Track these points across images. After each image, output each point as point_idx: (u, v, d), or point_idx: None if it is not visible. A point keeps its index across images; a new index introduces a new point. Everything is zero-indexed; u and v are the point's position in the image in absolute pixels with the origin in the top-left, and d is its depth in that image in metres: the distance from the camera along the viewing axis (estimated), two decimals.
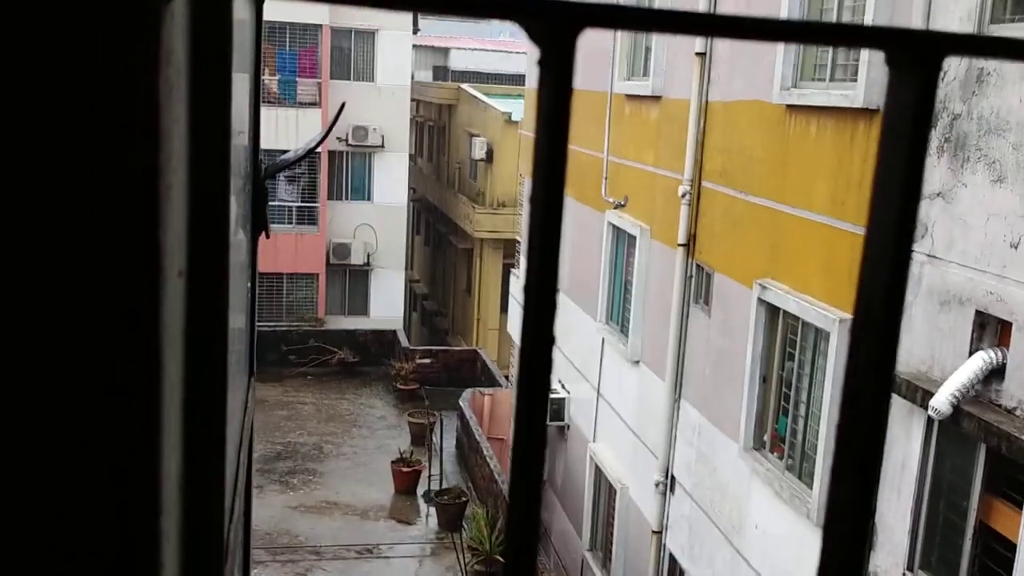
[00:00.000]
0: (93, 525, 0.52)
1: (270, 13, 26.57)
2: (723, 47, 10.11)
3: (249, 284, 1.63)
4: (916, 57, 0.52)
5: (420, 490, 18.24)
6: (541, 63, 0.48)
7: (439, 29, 43.84)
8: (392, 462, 18.43)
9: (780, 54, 8.77)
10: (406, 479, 18.24)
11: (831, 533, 0.52)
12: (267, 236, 1.70)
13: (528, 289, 0.48)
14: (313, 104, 25.75)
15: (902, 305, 0.54)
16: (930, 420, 6.54)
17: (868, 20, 7.46)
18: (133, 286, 0.48)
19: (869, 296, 0.55)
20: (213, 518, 0.88)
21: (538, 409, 0.49)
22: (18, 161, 0.46)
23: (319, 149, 25.64)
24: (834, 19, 8.22)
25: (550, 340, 0.48)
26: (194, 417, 0.65)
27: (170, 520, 0.61)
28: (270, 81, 25.71)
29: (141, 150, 0.46)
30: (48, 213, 0.47)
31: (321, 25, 25.37)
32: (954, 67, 6.62)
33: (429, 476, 18.08)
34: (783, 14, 8.67)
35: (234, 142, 1.41)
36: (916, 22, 6.92)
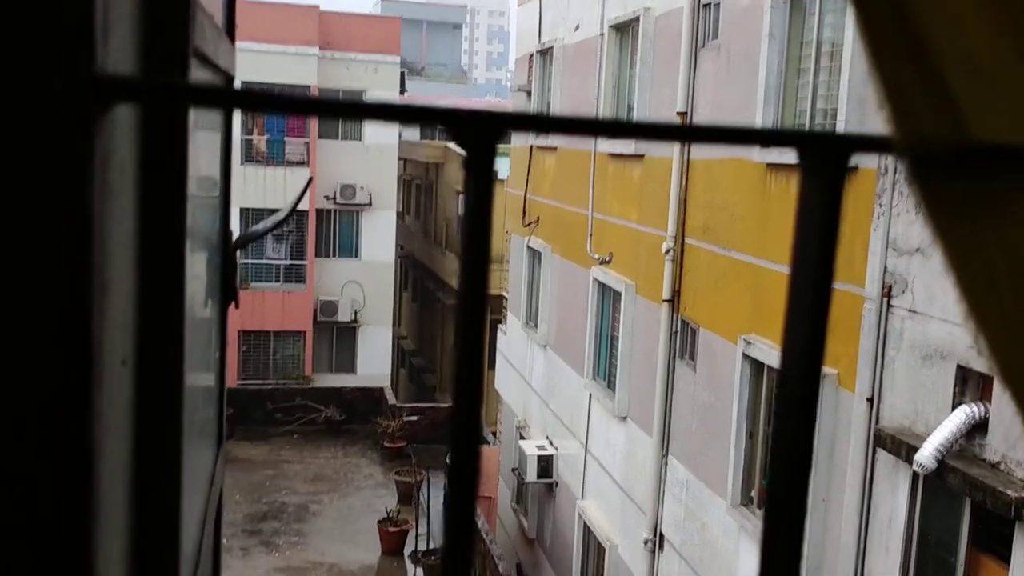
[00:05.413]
0: None
1: (258, 75, 26.59)
2: (704, 107, 10.27)
3: (218, 353, 1.64)
4: (825, 156, 0.54)
5: (407, 550, 18.00)
6: (466, 165, 0.51)
7: (427, 90, 44.38)
8: (379, 522, 18.21)
9: (760, 112, 8.91)
10: (393, 539, 18.01)
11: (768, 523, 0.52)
12: (236, 306, 1.71)
13: (458, 381, 0.50)
14: (301, 163, 25.96)
15: (818, 385, 0.55)
16: (915, 475, 6.53)
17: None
18: (63, 378, 0.49)
19: (789, 367, 0.58)
20: None
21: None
22: None
23: (306, 208, 25.77)
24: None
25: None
26: (145, 505, 0.66)
27: None
28: (259, 141, 25.93)
29: (70, 249, 0.48)
30: None
31: (309, 86, 25.68)
32: None
33: (416, 536, 17.87)
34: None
35: (202, 212, 1.44)
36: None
